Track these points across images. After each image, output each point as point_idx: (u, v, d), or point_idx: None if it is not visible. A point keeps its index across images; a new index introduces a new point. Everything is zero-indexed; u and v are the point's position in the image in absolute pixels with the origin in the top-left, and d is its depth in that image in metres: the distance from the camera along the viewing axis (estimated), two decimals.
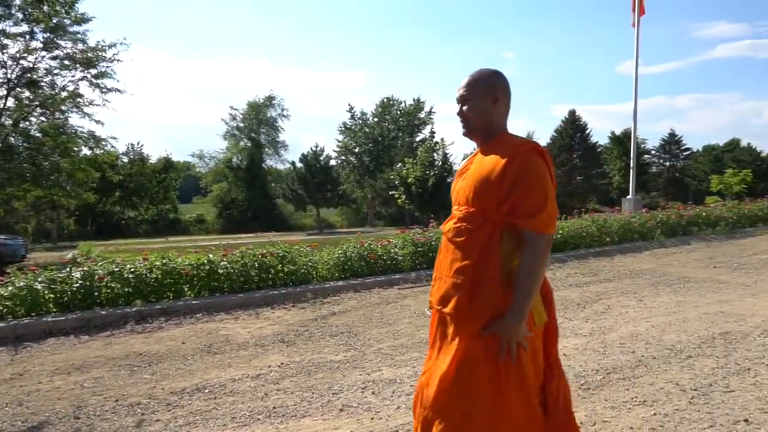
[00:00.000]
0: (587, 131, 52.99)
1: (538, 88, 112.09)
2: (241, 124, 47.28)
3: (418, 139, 40.04)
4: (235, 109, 47.07)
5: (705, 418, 2.88)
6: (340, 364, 4.10)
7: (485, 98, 1.95)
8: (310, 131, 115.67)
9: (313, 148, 42.51)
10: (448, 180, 30.78)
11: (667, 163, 58.67)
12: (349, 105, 44.33)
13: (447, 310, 1.90)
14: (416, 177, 30.58)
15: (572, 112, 54.00)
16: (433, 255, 7.69)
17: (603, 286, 6.50)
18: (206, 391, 3.64)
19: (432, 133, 31.31)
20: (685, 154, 59.44)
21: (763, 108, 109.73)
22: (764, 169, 53.26)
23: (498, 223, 1.86)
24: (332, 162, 42.95)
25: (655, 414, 2.96)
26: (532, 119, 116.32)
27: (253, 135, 46.85)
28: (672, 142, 59.32)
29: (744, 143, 60.63)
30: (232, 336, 4.95)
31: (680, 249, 9.30)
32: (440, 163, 31.07)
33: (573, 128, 52.61)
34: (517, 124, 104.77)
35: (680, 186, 54.51)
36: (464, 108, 1.99)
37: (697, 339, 4.28)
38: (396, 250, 7.68)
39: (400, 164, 33.32)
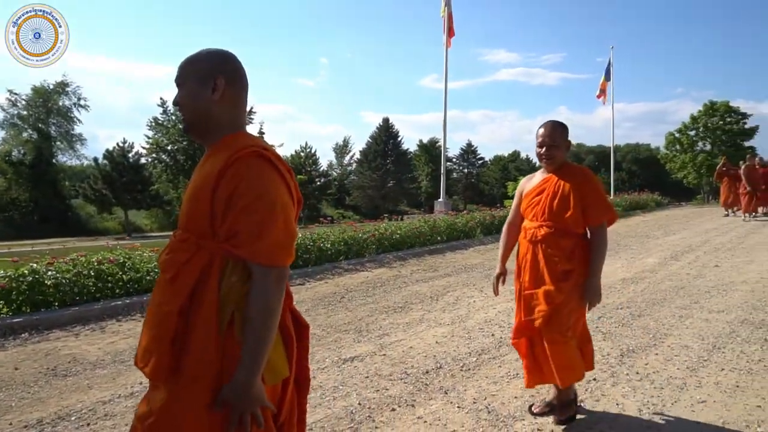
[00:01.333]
0: (399, 138, 57.01)
1: (350, 95, 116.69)
2: (24, 112, 40.43)
3: None
4: (15, 94, 40.03)
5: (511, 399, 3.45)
6: None
7: (200, 85, 1.51)
8: (116, 125, 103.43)
9: (120, 144, 38.30)
10: None
11: (465, 170, 65.94)
12: (161, 99, 40.67)
13: (146, 371, 1.43)
14: None
15: (386, 120, 57.57)
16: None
17: (446, 281, 7.18)
18: (73, 418, 3.17)
19: (261, 133, 30.54)
20: (479, 162, 67.50)
21: (534, 125, 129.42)
22: None
23: (216, 252, 1.41)
24: (143, 160, 39.19)
25: None
26: (344, 125, 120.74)
27: (40, 126, 40.36)
28: (469, 151, 66.86)
29: (523, 155, 71.30)
30: (80, 354, 4.34)
31: (497, 245, 10.63)
32: None
33: (387, 135, 56.09)
34: (329, 130, 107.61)
35: (476, 191, 61.58)
36: (177, 96, 1.55)
37: None
38: None
39: None
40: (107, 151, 38.52)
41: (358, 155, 56.56)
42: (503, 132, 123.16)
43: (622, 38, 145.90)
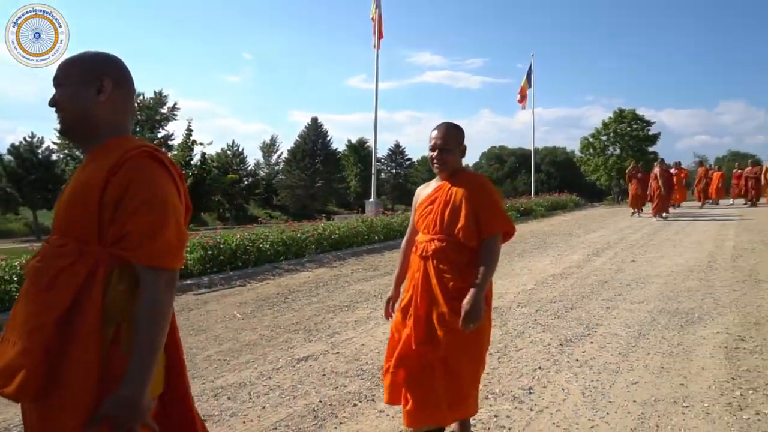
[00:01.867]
0: (328, 138, 56.82)
1: (276, 93, 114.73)
2: None
3: (160, 135, 36.98)
4: None
5: (513, 372, 3.68)
6: None
7: (84, 86, 1.45)
8: (21, 119, 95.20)
9: (28, 139, 35.45)
10: (208, 180, 29.47)
11: (393, 171, 66.84)
12: None
13: (9, 390, 1.27)
14: None
15: (315, 120, 57.18)
16: (224, 258, 7.50)
17: (388, 279, 7.32)
18: None
19: (190, 131, 29.34)
20: (407, 163, 68.66)
21: None
22: None
23: (101, 258, 1.33)
24: (54, 156, 36.46)
25: None
26: (270, 124, 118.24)
27: None
28: (397, 152, 67.84)
29: None
30: None
31: None
32: (200, 163, 29.44)
33: (315, 135, 55.73)
34: (254, 128, 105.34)
35: (404, 191, 62.54)
36: (56, 96, 1.48)
37: None
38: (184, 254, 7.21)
39: None
40: (12, 146, 35.54)
41: (286, 154, 55.78)
42: (427, 133, 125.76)
43: (541, 46, 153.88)
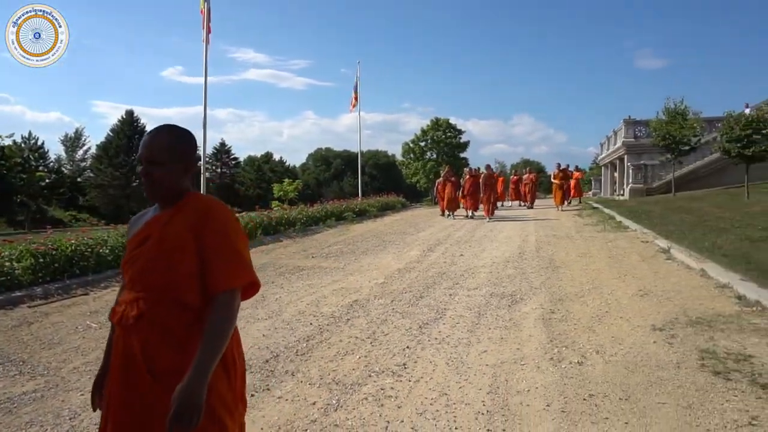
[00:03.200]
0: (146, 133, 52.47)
1: (74, 78, 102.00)
2: None
3: None
4: None
5: (386, 353, 4.22)
6: (37, 393, 3.59)
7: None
8: None
9: None
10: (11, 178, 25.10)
11: (219, 170, 64.24)
12: None
13: None
14: None
15: (130, 113, 52.45)
16: (59, 266, 6.83)
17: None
18: None
19: None
20: (233, 162, 66.52)
21: (282, 128, 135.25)
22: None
23: None
24: None
25: (359, 357, 4.11)
26: (71, 114, 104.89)
27: None
28: (223, 151, 65.32)
29: (276, 156, 72.86)
30: None
31: (278, 245, 11.16)
32: None
33: (131, 129, 51.05)
34: (49, 117, 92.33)
35: (232, 191, 60.57)
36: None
37: (343, 307, 5.76)
38: (10, 263, 6.43)
39: None
40: None
41: (94, 150, 50.09)
42: (252, 132, 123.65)
43: (363, 54, 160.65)
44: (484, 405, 3.21)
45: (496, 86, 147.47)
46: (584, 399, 3.22)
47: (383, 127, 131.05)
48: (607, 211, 16.36)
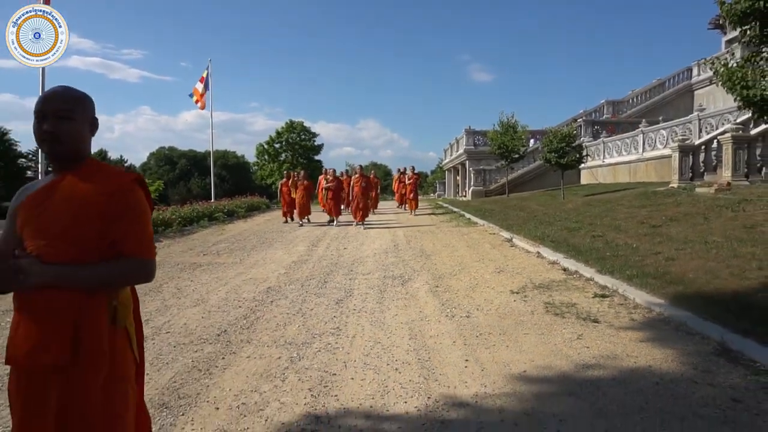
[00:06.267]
0: None
1: None
2: None
3: None
4: None
5: (319, 322, 5.18)
6: None
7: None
8: None
9: None
10: None
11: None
12: None
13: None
14: None
15: None
16: None
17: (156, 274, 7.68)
18: None
19: None
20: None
21: (114, 122, 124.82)
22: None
23: None
24: None
25: (298, 326, 5.02)
26: None
27: None
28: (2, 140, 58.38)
29: (111, 156, 67.14)
30: None
31: (160, 245, 11.19)
32: None
33: None
34: None
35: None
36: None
37: (261, 293, 6.53)
38: None
39: None
40: None
41: None
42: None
43: (208, 49, 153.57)
44: (409, 345, 4.38)
45: (343, 91, 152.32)
46: (477, 336, 4.57)
47: (229, 126, 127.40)
48: (456, 209, 18.77)
